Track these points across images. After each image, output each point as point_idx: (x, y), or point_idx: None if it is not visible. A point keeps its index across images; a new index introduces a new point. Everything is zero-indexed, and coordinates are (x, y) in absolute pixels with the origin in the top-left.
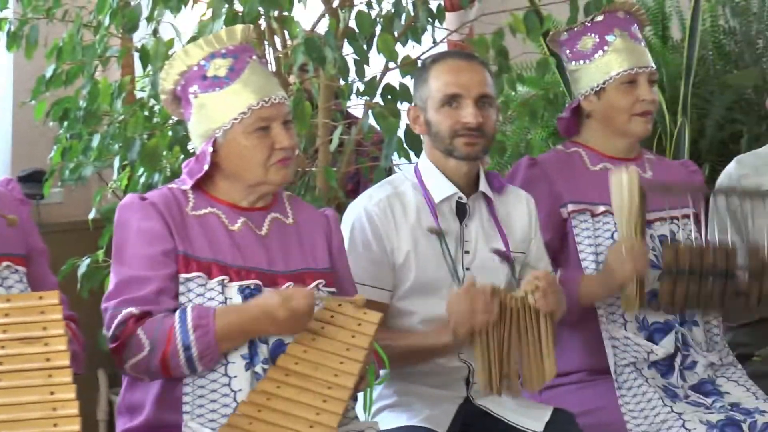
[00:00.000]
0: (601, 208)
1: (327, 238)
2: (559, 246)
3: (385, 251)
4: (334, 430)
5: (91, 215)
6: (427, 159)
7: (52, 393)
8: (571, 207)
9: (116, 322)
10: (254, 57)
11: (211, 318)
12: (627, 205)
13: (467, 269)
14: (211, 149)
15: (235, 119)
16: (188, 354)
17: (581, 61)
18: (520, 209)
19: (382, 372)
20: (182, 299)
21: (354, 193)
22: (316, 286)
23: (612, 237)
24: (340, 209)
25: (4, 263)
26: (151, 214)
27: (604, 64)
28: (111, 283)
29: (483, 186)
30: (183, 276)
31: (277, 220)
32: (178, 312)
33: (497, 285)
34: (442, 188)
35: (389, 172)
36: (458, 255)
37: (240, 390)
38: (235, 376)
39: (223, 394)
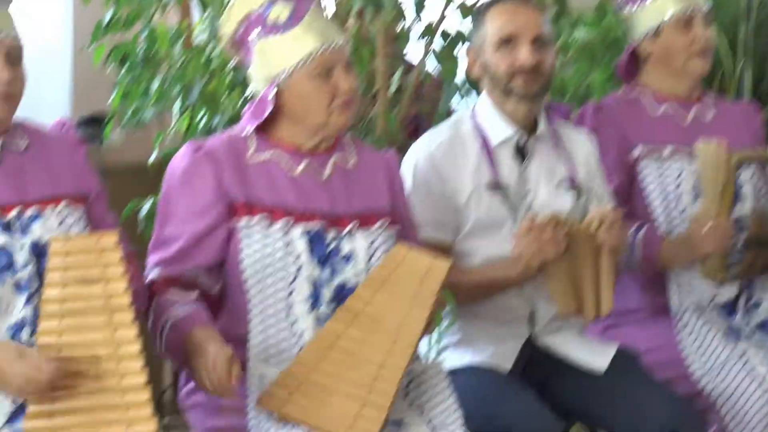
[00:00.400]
0: (668, 151)
1: (388, 179)
2: (628, 192)
3: (447, 193)
4: (402, 371)
5: (152, 158)
6: (486, 101)
7: (114, 331)
8: (638, 150)
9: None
10: (314, 2)
11: None
12: (713, 177)
13: (528, 211)
14: (273, 93)
15: (297, 64)
16: None
17: (636, 5)
18: (581, 146)
19: (446, 311)
20: (244, 244)
21: (414, 136)
22: (379, 227)
23: (678, 177)
24: (401, 152)
25: (62, 203)
26: (202, 166)
27: (658, 7)
28: (153, 235)
29: (543, 126)
30: (245, 222)
31: (340, 163)
32: None
33: (558, 213)
34: (501, 130)
35: (448, 115)
36: (519, 196)
37: (304, 332)
38: (299, 319)
39: (286, 337)
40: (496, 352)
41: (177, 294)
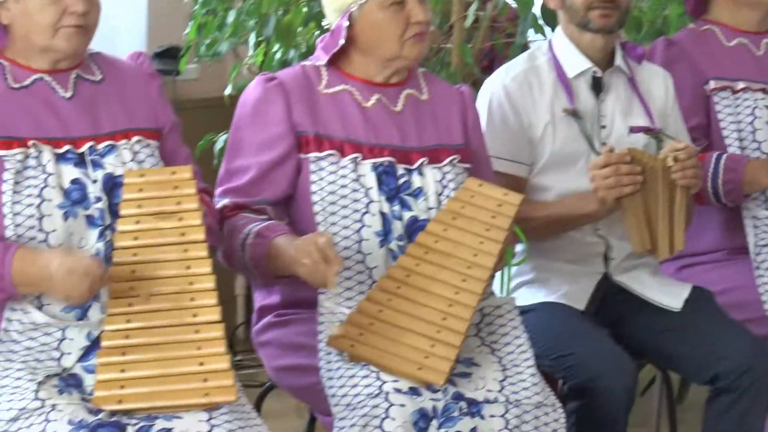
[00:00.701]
0: (741, 84)
1: (462, 114)
2: (707, 128)
3: (522, 125)
4: (473, 309)
5: (227, 91)
6: (562, 34)
7: (188, 267)
8: (712, 84)
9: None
10: None
11: None
12: None
13: (604, 144)
14: (346, 24)
15: None
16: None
17: None
18: (657, 84)
19: (518, 248)
20: (314, 177)
21: (489, 69)
22: (451, 161)
23: (753, 113)
24: (476, 86)
25: (135, 138)
26: (273, 96)
27: None
28: (221, 168)
29: (619, 60)
30: (315, 155)
31: (412, 96)
32: None
33: (634, 148)
34: (578, 63)
35: (524, 48)
36: (594, 130)
37: (375, 267)
38: (370, 253)
39: (358, 272)
40: (570, 291)
41: (250, 214)
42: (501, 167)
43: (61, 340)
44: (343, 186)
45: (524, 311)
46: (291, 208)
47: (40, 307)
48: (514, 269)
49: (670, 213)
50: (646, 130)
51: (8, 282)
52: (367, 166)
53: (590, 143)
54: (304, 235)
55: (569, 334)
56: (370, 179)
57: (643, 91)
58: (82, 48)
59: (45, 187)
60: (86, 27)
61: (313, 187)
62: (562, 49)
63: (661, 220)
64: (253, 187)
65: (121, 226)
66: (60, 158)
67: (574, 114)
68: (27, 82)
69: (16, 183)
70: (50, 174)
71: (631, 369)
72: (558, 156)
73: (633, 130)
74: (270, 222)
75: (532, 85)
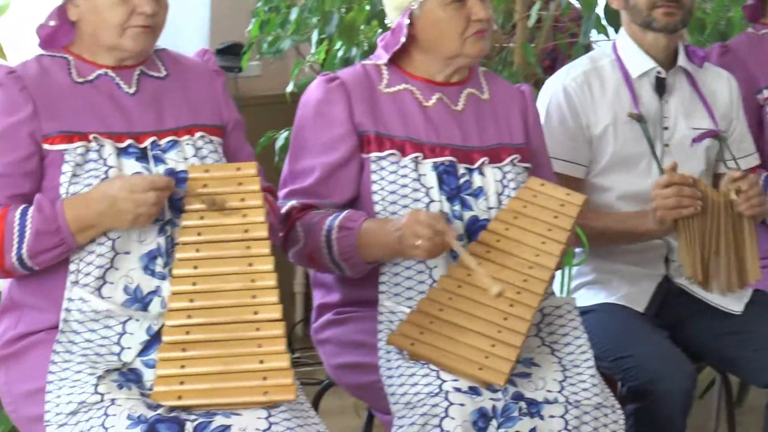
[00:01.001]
0: None
1: (522, 113)
2: (758, 135)
3: (581, 126)
4: (534, 309)
5: (289, 88)
6: (626, 34)
7: (250, 264)
8: (766, 93)
9: (282, 214)
10: None
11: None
12: None
13: (666, 146)
14: (407, 22)
15: None
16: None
17: None
18: (721, 86)
19: (578, 250)
20: (375, 177)
21: (551, 69)
22: (511, 161)
23: None
24: (537, 86)
25: (198, 134)
26: (335, 97)
27: None
28: (284, 169)
29: (682, 60)
30: (375, 155)
31: (473, 96)
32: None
33: (698, 177)
34: (641, 63)
35: (587, 48)
36: (657, 131)
37: (435, 267)
38: None
39: (418, 271)
40: (631, 292)
41: (321, 210)
42: (558, 167)
43: (121, 335)
44: (404, 185)
45: (584, 312)
46: (353, 208)
47: (99, 295)
48: (574, 270)
49: (739, 245)
50: (709, 135)
51: (67, 233)
52: (427, 166)
53: (652, 146)
54: (391, 219)
55: (629, 335)
56: (431, 179)
57: (705, 92)
58: (148, 48)
59: (105, 179)
60: (153, 27)
61: (374, 187)
62: (625, 50)
63: (731, 254)
64: (320, 187)
65: (184, 221)
66: (122, 152)
67: (639, 119)
68: (91, 77)
69: (74, 176)
70: (111, 167)
71: (691, 371)
72: (619, 157)
73: (695, 139)
74: (347, 212)
75: (593, 86)
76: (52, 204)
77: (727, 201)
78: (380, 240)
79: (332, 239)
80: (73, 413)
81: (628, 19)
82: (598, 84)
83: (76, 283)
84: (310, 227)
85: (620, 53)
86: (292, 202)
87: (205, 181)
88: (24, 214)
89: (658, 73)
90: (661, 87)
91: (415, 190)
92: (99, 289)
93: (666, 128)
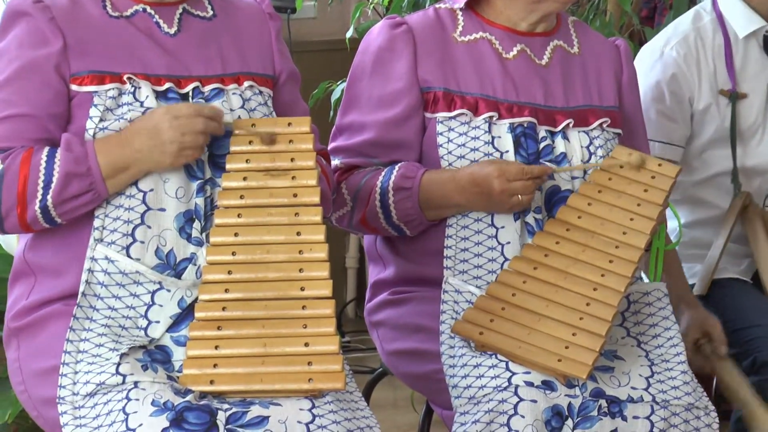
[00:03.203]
0: None
1: (616, 72)
2: None
3: (683, 103)
4: (621, 295)
5: (349, 34)
6: None
7: (298, 233)
8: None
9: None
10: None
11: None
12: None
13: None
14: None
15: None
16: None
17: None
18: None
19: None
20: (441, 140)
21: (649, 20)
22: (600, 125)
23: None
24: (633, 39)
25: (246, 83)
26: (399, 45)
27: None
28: (336, 121)
29: None
30: (443, 115)
31: (561, 49)
32: None
33: None
34: (748, 21)
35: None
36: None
37: (508, 243)
38: (503, 227)
39: (489, 248)
40: (734, 263)
41: (365, 170)
42: (652, 150)
43: (149, 306)
44: (475, 149)
45: None
46: None
47: (128, 255)
48: None
49: None
50: None
51: (98, 176)
52: (503, 127)
53: (733, 128)
54: (461, 171)
55: (748, 306)
56: (507, 142)
57: None
58: None
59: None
60: None
61: (441, 151)
62: (729, 7)
63: None
64: (369, 147)
65: (225, 182)
66: (160, 97)
67: (730, 97)
68: (128, 12)
69: (102, 120)
70: (148, 108)
71: None
72: (726, 132)
73: None
74: (400, 167)
75: (699, 55)
76: (82, 142)
77: None
78: (452, 200)
79: (389, 203)
80: (91, 395)
81: None
82: (701, 49)
83: (100, 240)
84: (359, 190)
85: (724, 10)
86: (335, 162)
87: (251, 137)
88: (51, 156)
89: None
90: None
91: (488, 154)
92: (127, 248)
93: None
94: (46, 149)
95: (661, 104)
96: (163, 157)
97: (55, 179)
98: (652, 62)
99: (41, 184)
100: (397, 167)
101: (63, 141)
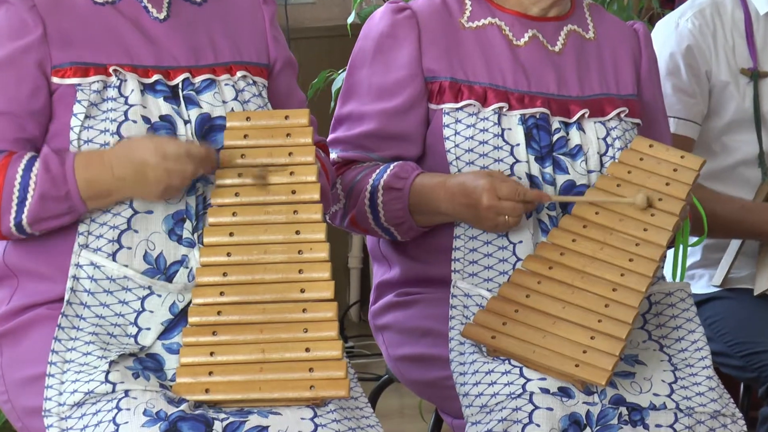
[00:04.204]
0: None
1: (635, 58)
2: None
3: (700, 78)
4: (642, 296)
5: (350, 19)
6: None
7: (297, 233)
8: None
9: None
10: None
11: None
12: None
13: None
14: None
15: None
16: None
17: None
18: None
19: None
20: (448, 132)
21: (669, 3)
22: (618, 115)
23: None
24: (653, 22)
25: (239, 73)
26: (402, 32)
27: None
28: (335, 111)
29: None
30: (449, 106)
31: (575, 34)
32: None
33: None
34: None
35: None
36: None
37: (521, 242)
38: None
39: (500, 247)
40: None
41: (362, 166)
42: (672, 126)
43: (139, 312)
44: (483, 142)
45: (701, 302)
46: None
47: (114, 260)
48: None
49: None
50: None
51: (77, 199)
52: (514, 119)
53: (757, 110)
54: (454, 178)
55: (763, 327)
56: (518, 134)
57: None
58: None
59: (125, 121)
60: None
61: (447, 144)
62: None
63: None
64: (367, 140)
65: (219, 179)
66: (147, 89)
67: (752, 76)
68: None
69: (88, 117)
70: (132, 106)
71: None
72: (747, 113)
73: None
74: (394, 167)
75: (717, 28)
76: (61, 161)
77: None
78: (440, 207)
79: (377, 203)
80: (78, 405)
81: None
82: (719, 24)
83: (85, 246)
84: (352, 186)
85: None
86: (333, 155)
87: (246, 131)
88: (28, 169)
89: None
90: None
91: (497, 148)
92: (113, 254)
93: None
94: (24, 161)
95: (677, 78)
96: (146, 194)
97: (29, 198)
98: (667, 34)
99: (15, 201)
100: (391, 166)
101: (41, 158)
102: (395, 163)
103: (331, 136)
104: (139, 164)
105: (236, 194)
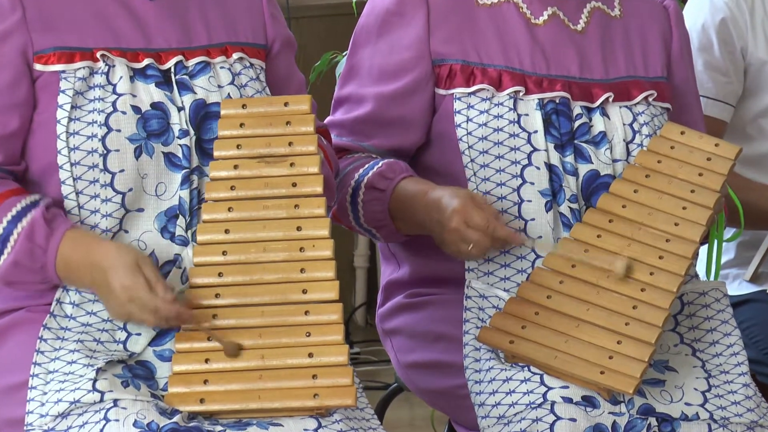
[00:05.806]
0: None
1: (665, 37)
2: None
3: (734, 55)
4: (673, 296)
5: None
6: None
7: (299, 229)
8: None
9: None
10: None
11: None
12: None
13: None
14: None
15: None
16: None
17: None
18: None
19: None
20: (459, 119)
21: None
22: (645, 99)
23: None
24: (684, 1)
25: (236, 54)
26: (410, 9)
27: None
28: (335, 92)
29: None
30: (461, 91)
31: (599, 12)
32: None
33: None
34: None
35: None
36: None
37: (539, 237)
38: (533, 219)
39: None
40: None
41: (354, 157)
42: (704, 109)
43: None
44: (498, 129)
45: (736, 303)
46: (426, 160)
47: None
48: (724, 245)
49: None
50: None
51: (52, 273)
52: (531, 104)
53: None
54: (434, 192)
55: None
56: (536, 120)
57: None
58: None
59: (113, 112)
60: None
61: (459, 132)
62: None
63: None
64: (364, 125)
65: (214, 171)
66: (138, 75)
67: None
68: None
69: (74, 108)
70: (121, 95)
71: None
72: None
73: None
74: (381, 166)
75: (755, 1)
76: (48, 234)
77: None
78: (417, 217)
79: (358, 201)
80: (63, 415)
81: None
82: (759, 5)
83: None
84: (341, 179)
85: None
86: (329, 143)
87: (243, 119)
88: (14, 223)
89: None
90: None
91: (513, 135)
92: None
93: None
94: (14, 211)
95: (709, 54)
96: (110, 313)
97: (4, 258)
98: (700, 5)
99: None
100: (380, 163)
101: (30, 221)
102: (385, 161)
103: (329, 119)
104: (107, 288)
105: (232, 188)
